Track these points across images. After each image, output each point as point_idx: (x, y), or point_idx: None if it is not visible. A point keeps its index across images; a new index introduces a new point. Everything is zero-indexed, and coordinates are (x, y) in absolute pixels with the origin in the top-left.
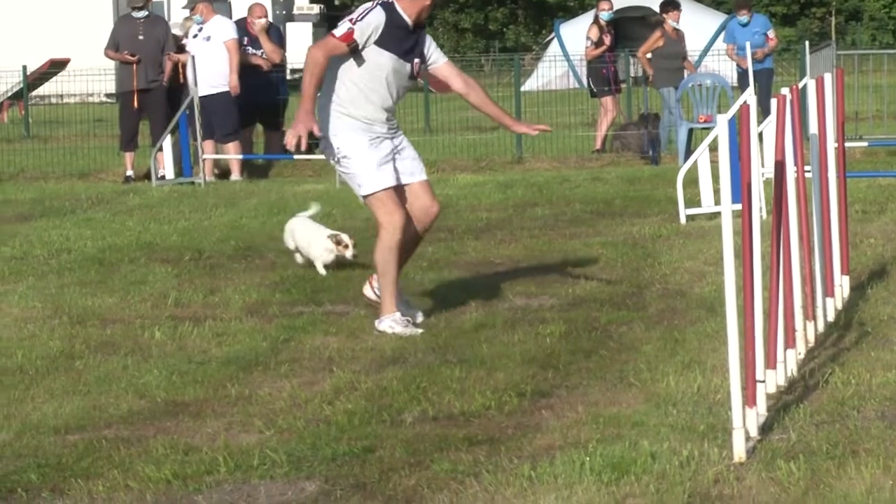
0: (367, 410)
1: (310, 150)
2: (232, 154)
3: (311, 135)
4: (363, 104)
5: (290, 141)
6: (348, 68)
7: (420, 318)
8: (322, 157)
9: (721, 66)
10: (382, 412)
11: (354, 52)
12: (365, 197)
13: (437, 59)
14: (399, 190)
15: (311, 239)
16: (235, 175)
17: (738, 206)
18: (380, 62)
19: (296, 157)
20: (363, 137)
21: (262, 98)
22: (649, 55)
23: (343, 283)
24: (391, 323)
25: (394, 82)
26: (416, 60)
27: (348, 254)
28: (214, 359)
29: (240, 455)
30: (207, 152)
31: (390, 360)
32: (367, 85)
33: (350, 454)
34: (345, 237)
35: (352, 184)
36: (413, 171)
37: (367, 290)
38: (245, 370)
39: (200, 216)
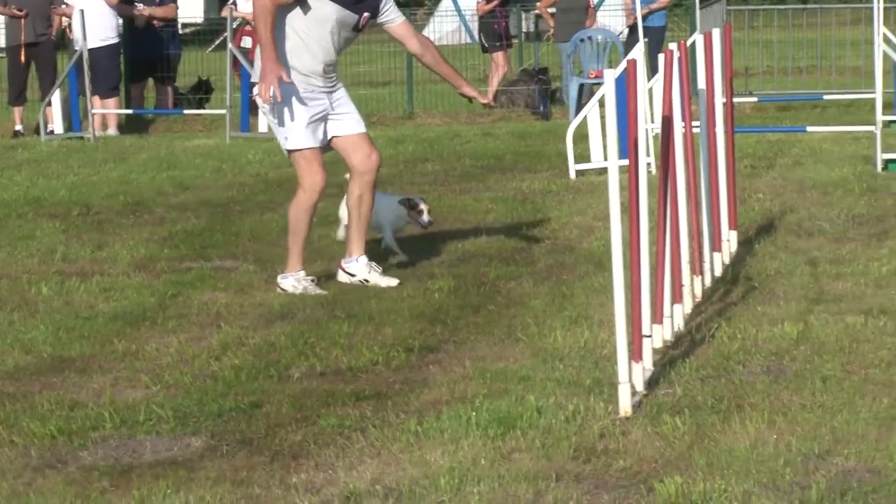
0: (255, 366)
1: (200, 105)
2: (113, 108)
3: (204, 87)
4: (303, 54)
5: (263, 94)
6: (292, 17)
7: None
8: (213, 112)
9: (612, 21)
10: (270, 368)
11: (300, 0)
12: (289, 152)
13: (393, 17)
14: (336, 147)
15: (378, 205)
16: (112, 130)
17: (626, 162)
18: (325, 12)
19: (186, 112)
20: (301, 91)
21: (153, 53)
22: (552, 9)
23: (231, 238)
24: (294, 282)
25: (338, 34)
26: (366, 14)
27: (423, 219)
28: (101, 314)
29: (126, 410)
30: (97, 107)
31: (278, 315)
32: (308, 35)
33: (237, 410)
34: (419, 201)
35: (278, 135)
36: (350, 124)
37: (341, 276)
38: (132, 326)
39: (89, 171)
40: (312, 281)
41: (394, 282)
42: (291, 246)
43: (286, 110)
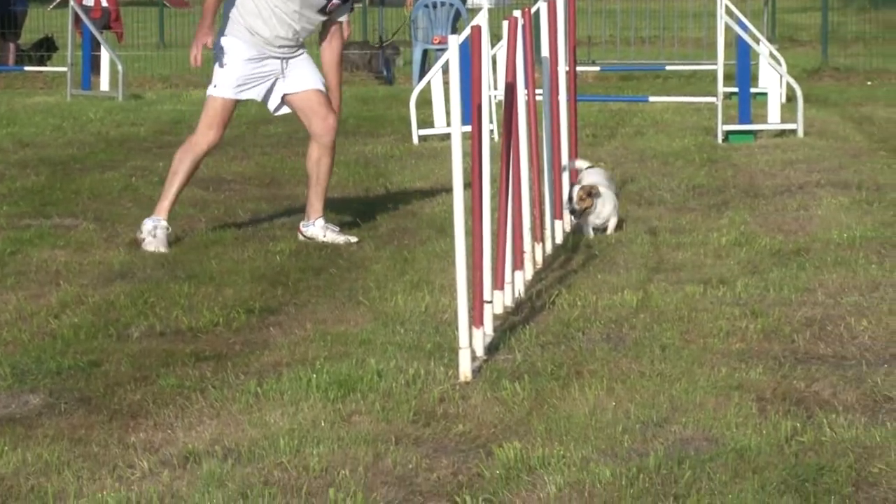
0: (94, 324)
1: (42, 63)
2: None
3: (46, 45)
4: (259, 25)
5: (194, 55)
6: None
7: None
8: (54, 69)
9: None
10: (109, 326)
11: None
12: (209, 95)
13: (345, 13)
14: (291, 105)
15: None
16: None
17: (469, 128)
18: None
19: (26, 68)
20: (246, 50)
21: None
22: None
23: (71, 196)
24: (151, 226)
25: (300, 16)
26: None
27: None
28: None
29: None
30: None
31: (118, 274)
32: (270, 10)
33: (75, 368)
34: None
35: (212, 78)
36: (304, 80)
37: (300, 237)
38: None
39: None
40: (166, 230)
41: (353, 239)
42: (166, 188)
43: (226, 60)
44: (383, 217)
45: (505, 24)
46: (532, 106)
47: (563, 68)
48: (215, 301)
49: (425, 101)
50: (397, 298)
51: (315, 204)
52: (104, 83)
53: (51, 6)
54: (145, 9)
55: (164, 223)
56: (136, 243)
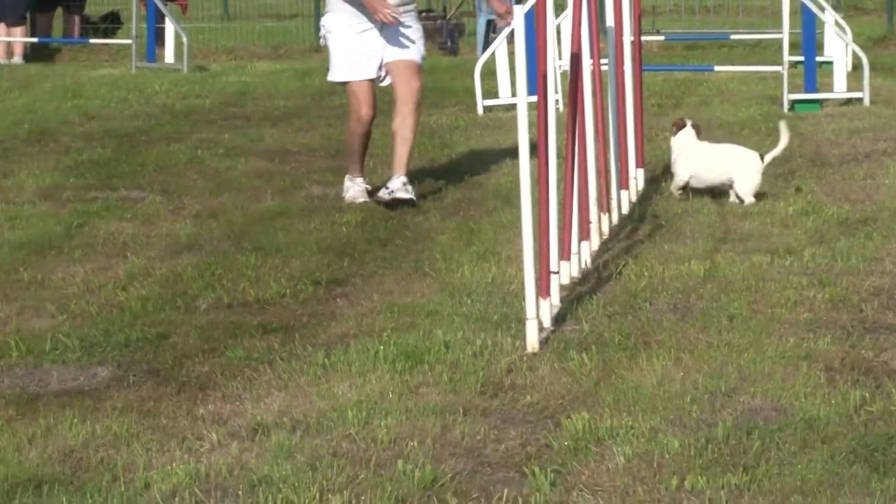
0: (161, 297)
1: (108, 35)
2: (19, 37)
3: (111, 18)
4: None
5: (388, 19)
6: None
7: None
8: (119, 41)
9: None
10: (177, 298)
11: None
12: (335, 81)
13: None
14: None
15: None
16: (18, 58)
17: (534, 98)
18: None
19: (91, 41)
20: (351, 23)
21: None
22: None
23: (137, 169)
24: (348, 183)
25: None
26: None
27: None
28: (7, 243)
29: (32, 339)
30: (2, 35)
31: (185, 246)
32: None
33: (143, 340)
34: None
35: (329, 64)
36: (398, 50)
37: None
38: (38, 255)
39: None
40: (365, 190)
41: (411, 203)
42: (348, 157)
43: (335, 41)
44: (449, 188)
45: None
46: (597, 76)
47: (627, 38)
48: (282, 273)
49: (490, 72)
50: (464, 269)
51: (397, 162)
52: (169, 55)
53: None
54: None
55: (360, 179)
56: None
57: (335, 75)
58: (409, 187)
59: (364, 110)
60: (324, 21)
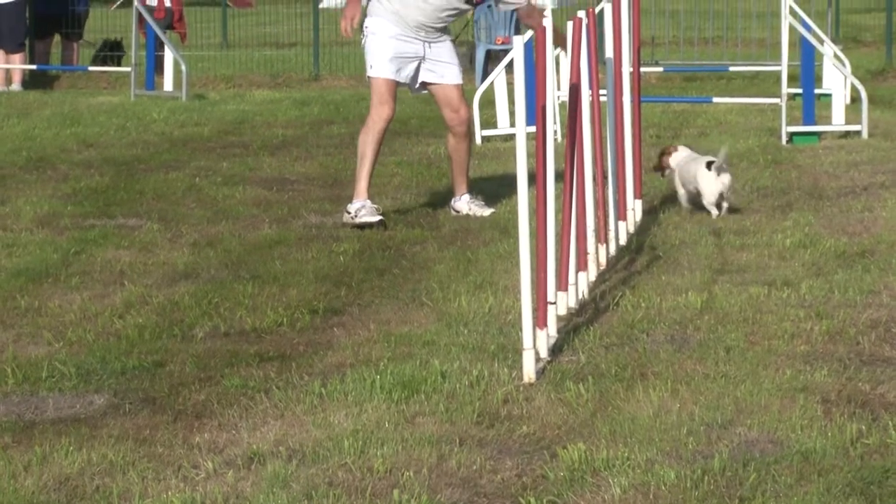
0: (158, 325)
1: (104, 63)
2: (18, 64)
3: (117, 46)
4: (399, 5)
5: (344, 27)
6: None
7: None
8: (118, 69)
9: None
10: (173, 327)
11: None
12: (369, 78)
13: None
14: (431, 94)
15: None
16: (16, 85)
17: (533, 129)
18: None
19: (90, 68)
20: (392, 27)
21: (60, 9)
22: None
23: (136, 196)
24: (357, 207)
25: (441, 4)
26: None
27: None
28: (4, 270)
29: (28, 367)
30: (1, 62)
31: (182, 275)
32: None
33: (140, 368)
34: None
35: (366, 61)
36: (444, 74)
37: (451, 213)
38: (35, 282)
39: None
40: (376, 210)
41: (490, 210)
42: (358, 171)
43: (375, 41)
44: (446, 218)
45: (569, 24)
46: (596, 106)
47: (627, 69)
48: (279, 301)
49: (488, 102)
50: (461, 299)
51: (458, 182)
52: (168, 83)
53: (114, 6)
54: (208, 9)
55: (368, 202)
56: (346, 225)
57: (374, 70)
58: (478, 200)
59: (388, 109)
60: (367, 22)
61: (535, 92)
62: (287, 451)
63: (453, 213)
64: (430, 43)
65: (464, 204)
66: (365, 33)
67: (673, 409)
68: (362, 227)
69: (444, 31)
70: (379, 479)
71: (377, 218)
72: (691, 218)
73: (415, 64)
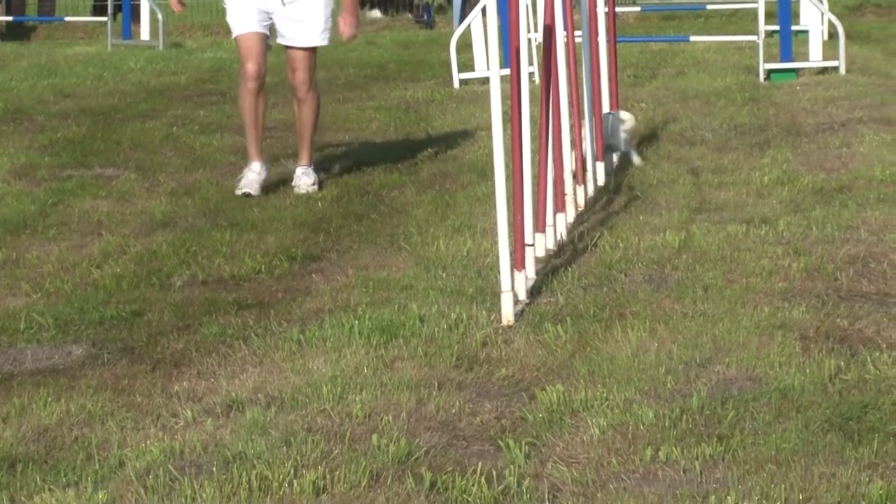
0: (136, 274)
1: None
2: None
3: None
4: None
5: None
6: None
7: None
8: (94, 18)
9: None
10: (151, 276)
11: None
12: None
13: None
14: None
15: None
16: None
17: (507, 71)
18: None
19: (67, 18)
20: None
21: None
22: None
23: (113, 146)
24: (246, 171)
25: None
26: None
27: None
28: None
29: (6, 319)
30: None
31: (160, 223)
32: None
33: (118, 318)
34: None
35: None
36: (293, 36)
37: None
38: (12, 234)
39: None
40: (258, 175)
41: (313, 189)
42: (246, 135)
43: (227, 3)
44: (424, 162)
45: None
46: (571, 48)
47: (602, 9)
48: (257, 249)
49: (466, 45)
50: (439, 243)
51: (299, 150)
52: (144, 32)
53: None
54: None
55: (256, 164)
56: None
57: (232, 30)
58: (309, 177)
59: (251, 65)
60: None
61: (510, 34)
62: (266, 398)
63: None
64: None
65: (296, 177)
66: None
67: (651, 348)
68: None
69: None
70: (358, 424)
71: (242, 191)
72: (669, 157)
73: (271, 20)
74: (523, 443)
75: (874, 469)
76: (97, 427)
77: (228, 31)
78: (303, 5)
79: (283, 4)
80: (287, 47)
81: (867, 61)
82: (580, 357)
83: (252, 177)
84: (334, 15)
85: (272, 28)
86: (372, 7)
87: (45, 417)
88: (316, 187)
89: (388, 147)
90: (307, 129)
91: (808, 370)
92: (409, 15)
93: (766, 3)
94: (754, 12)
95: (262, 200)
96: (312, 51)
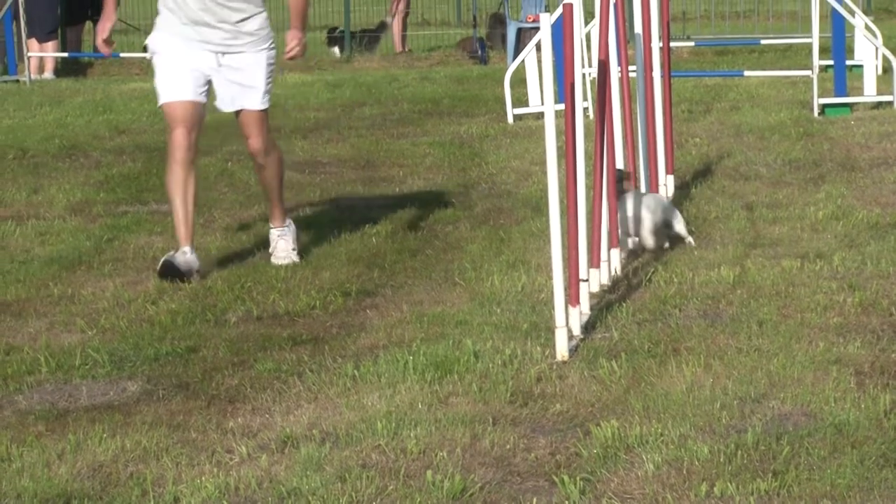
0: (191, 310)
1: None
2: (50, 52)
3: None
4: (175, 4)
5: (99, 44)
6: None
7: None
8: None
9: None
10: (206, 312)
11: None
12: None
13: None
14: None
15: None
16: (49, 73)
17: (563, 106)
18: None
19: (122, 55)
20: (173, 40)
21: None
22: None
23: None
24: (174, 254)
25: None
26: None
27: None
28: (37, 258)
29: (61, 355)
30: (32, 50)
31: (215, 259)
32: None
33: (173, 354)
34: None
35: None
36: (235, 97)
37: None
38: (68, 270)
39: (25, 114)
40: (185, 259)
41: (295, 259)
42: (172, 215)
43: (157, 62)
44: (478, 197)
45: (597, 0)
46: (625, 82)
47: (656, 44)
48: (312, 284)
49: (520, 80)
50: (493, 278)
51: (271, 213)
52: None
53: None
54: None
55: (185, 248)
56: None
57: (160, 97)
58: (288, 241)
59: (179, 134)
60: (149, 41)
61: (564, 69)
62: (320, 434)
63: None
64: (223, 53)
65: (272, 237)
66: (150, 55)
67: (706, 383)
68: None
69: (243, 34)
70: (412, 459)
71: (177, 270)
72: (723, 192)
73: (208, 81)
74: (578, 479)
75: None
76: (152, 463)
77: (283, 67)
78: (241, 63)
79: (220, 65)
80: (236, 112)
81: None
82: (635, 392)
83: (180, 259)
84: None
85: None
86: (332, 44)
87: (100, 454)
88: (296, 252)
89: (442, 182)
90: (274, 191)
91: (863, 405)
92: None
93: (821, 37)
94: (808, 47)
95: (317, 236)
96: (263, 112)
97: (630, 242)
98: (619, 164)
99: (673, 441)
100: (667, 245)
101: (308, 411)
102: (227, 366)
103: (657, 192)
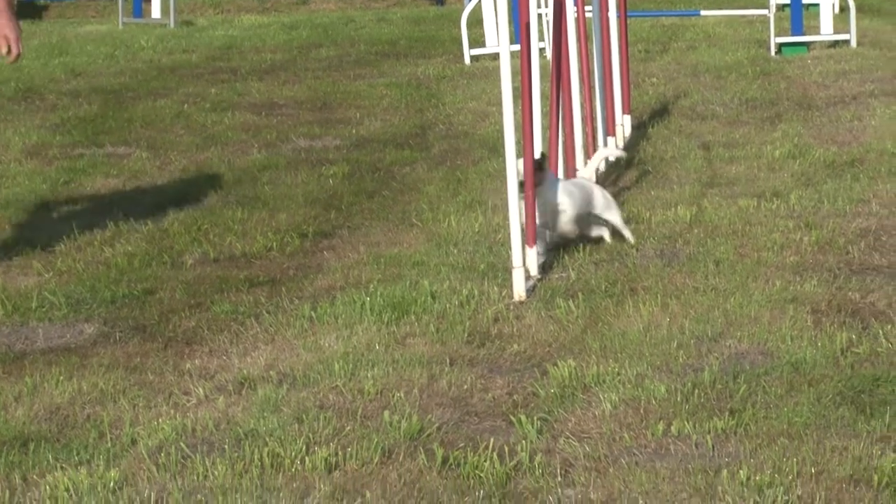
0: (148, 253)
1: None
2: None
3: None
4: None
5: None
6: None
7: None
8: None
9: None
10: (163, 254)
11: None
12: None
13: None
14: None
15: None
16: None
17: (517, 47)
18: None
19: None
20: None
21: None
22: None
23: (124, 125)
24: None
25: None
26: None
27: None
28: None
29: (18, 297)
30: None
31: (171, 202)
32: None
33: (130, 296)
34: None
35: None
36: None
37: None
38: (24, 212)
39: None
40: None
41: None
42: None
43: None
44: (436, 138)
45: None
46: (582, 22)
47: None
48: (269, 226)
49: (477, 21)
50: (450, 219)
51: None
52: (156, 10)
53: None
54: None
55: None
56: None
57: None
58: None
59: None
60: None
61: (519, 9)
62: (277, 376)
63: None
64: None
65: None
66: None
67: (663, 323)
68: None
69: None
70: (370, 400)
71: None
72: (681, 132)
73: None
74: (535, 418)
75: (886, 442)
76: (109, 405)
77: (240, 9)
78: None
79: None
80: None
81: (878, 34)
82: (592, 332)
83: None
84: None
85: None
86: None
87: (56, 396)
88: None
89: (399, 124)
90: None
91: (819, 344)
92: None
93: None
94: None
95: (274, 177)
96: None
97: (547, 235)
98: (576, 105)
99: (630, 380)
100: (595, 234)
101: (265, 353)
102: (183, 308)
103: (614, 134)
